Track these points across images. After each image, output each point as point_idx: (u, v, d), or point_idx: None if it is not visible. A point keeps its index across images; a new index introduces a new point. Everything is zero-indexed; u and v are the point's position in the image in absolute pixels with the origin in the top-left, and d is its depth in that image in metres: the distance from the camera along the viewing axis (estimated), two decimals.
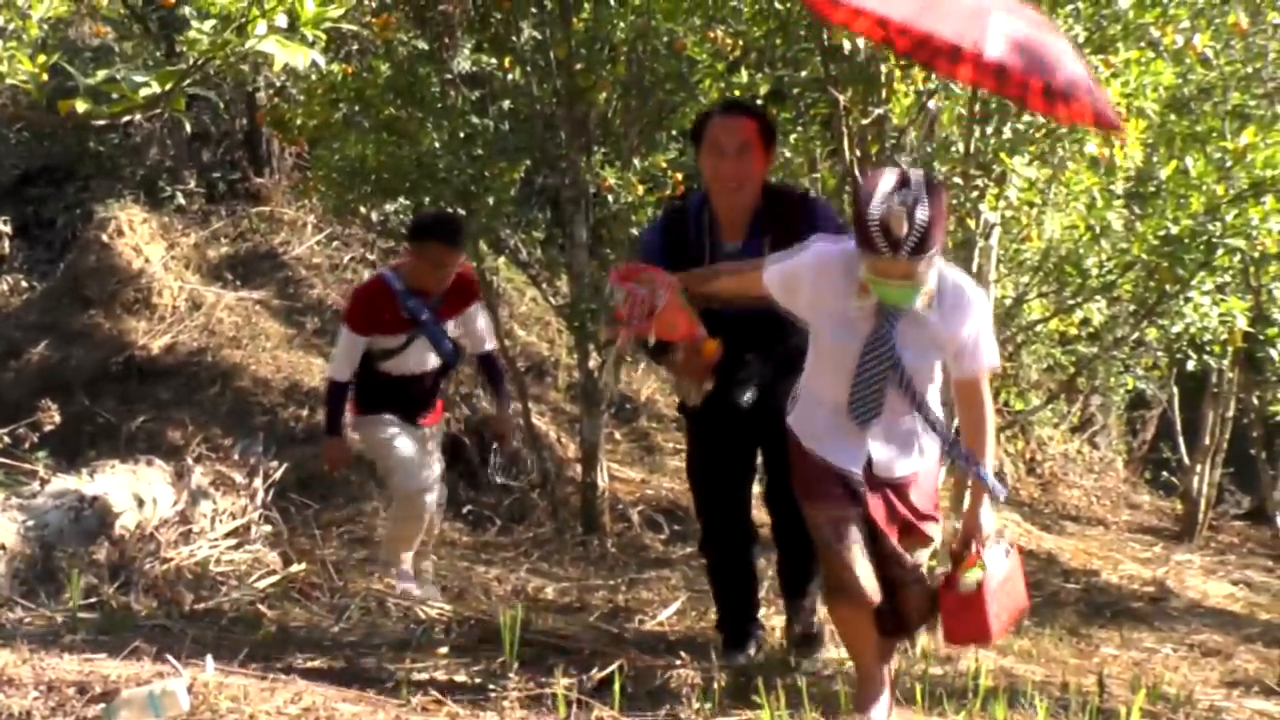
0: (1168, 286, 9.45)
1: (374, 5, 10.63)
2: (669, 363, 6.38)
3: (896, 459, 5.76)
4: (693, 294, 6.02)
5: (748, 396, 6.36)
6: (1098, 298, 9.73)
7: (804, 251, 5.69)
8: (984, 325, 5.69)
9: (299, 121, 10.75)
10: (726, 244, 6.38)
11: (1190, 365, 11.40)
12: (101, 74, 4.86)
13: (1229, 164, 8.98)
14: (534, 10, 10.23)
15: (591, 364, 10.50)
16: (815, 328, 5.74)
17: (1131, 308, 10.18)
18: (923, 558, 5.95)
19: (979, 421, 5.74)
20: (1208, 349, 10.48)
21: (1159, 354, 13.17)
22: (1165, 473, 17.14)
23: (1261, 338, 10.28)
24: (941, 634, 6.10)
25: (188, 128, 12.57)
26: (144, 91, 4.81)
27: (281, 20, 4.85)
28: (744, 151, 6.30)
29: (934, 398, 5.78)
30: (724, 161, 6.30)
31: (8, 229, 13.78)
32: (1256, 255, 9.64)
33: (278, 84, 12.26)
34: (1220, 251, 9.03)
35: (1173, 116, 9.63)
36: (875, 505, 5.72)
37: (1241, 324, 9.85)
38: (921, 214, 5.27)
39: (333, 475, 9.71)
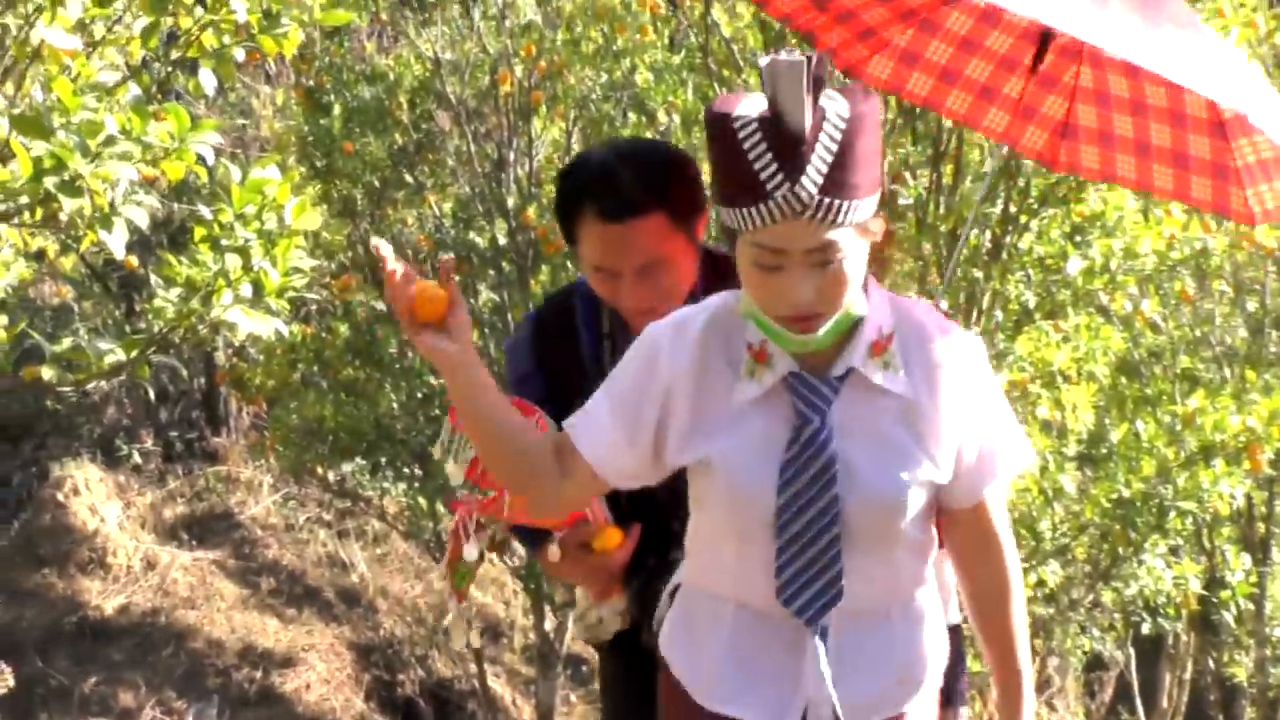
0: (1121, 549, 9.48)
1: (333, 267, 10.76)
2: (546, 566, 4.05)
3: (866, 694, 3.19)
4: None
5: None
6: (1052, 560, 9.72)
7: (628, 359, 3.25)
8: (992, 394, 3.22)
9: (258, 381, 10.81)
10: None
11: (1146, 628, 11.41)
12: (67, 342, 4.90)
13: (1179, 427, 9.07)
14: (492, 273, 10.37)
15: (547, 625, 10.44)
16: (695, 464, 3.18)
17: (1087, 569, 10.19)
18: None
19: (999, 577, 3.28)
20: (1162, 611, 10.49)
21: (1115, 615, 13.19)
22: None
23: (1215, 600, 10.28)
24: None
25: (149, 390, 12.60)
26: (109, 359, 4.86)
27: (246, 290, 4.92)
28: (652, 268, 3.80)
29: (928, 559, 3.28)
30: (621, 287, 3.84)
31: None
32: (1208, 518, 9.71)
33: (237, 344, 12.31)
34: (1173, 514, 9.08)
35: (1123, 380, 9.76)
36: None
37: (1196, 586, 9.88)
38: (838, 110, 2.85)
39: None
